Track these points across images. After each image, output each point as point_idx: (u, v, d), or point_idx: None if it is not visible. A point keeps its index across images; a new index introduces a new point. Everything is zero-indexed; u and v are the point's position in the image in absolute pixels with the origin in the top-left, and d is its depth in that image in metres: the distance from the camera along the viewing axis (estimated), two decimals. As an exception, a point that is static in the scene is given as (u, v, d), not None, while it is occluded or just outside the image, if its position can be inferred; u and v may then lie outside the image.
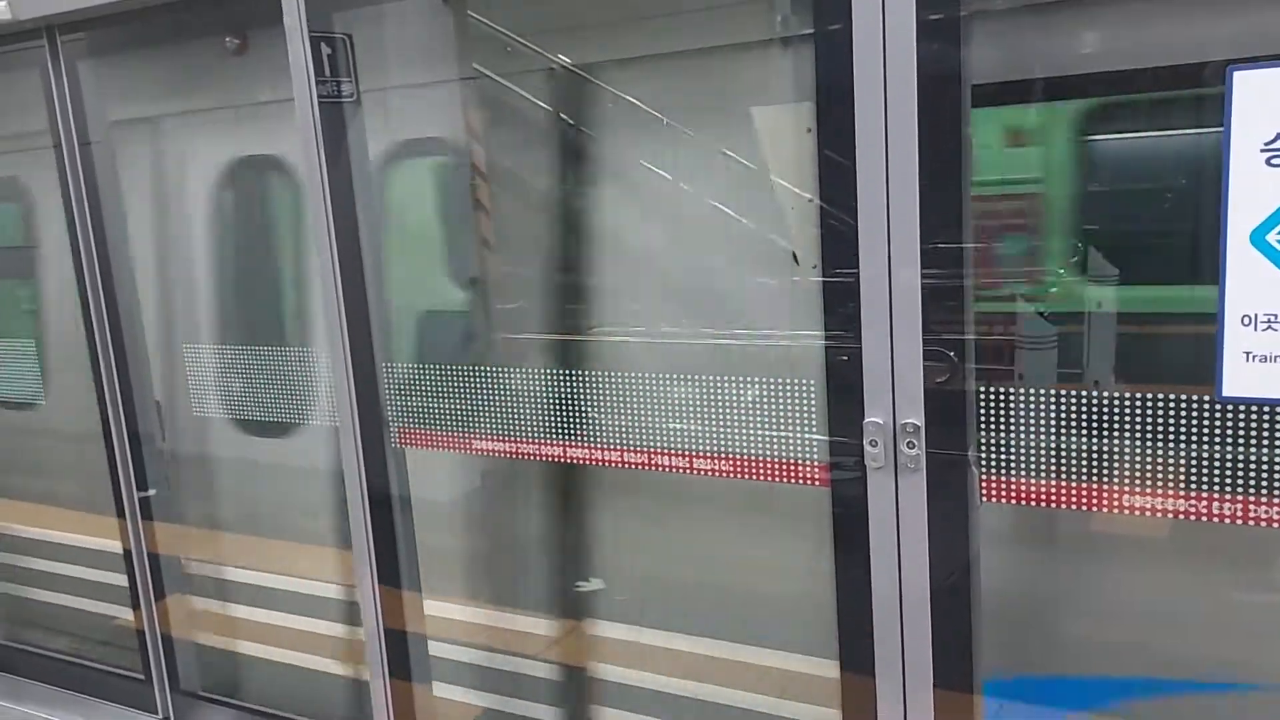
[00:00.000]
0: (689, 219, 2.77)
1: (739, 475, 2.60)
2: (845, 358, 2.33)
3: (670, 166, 2.75)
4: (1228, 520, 2.05)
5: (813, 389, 2.45)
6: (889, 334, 2.26)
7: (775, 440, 2.53)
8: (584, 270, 3.00)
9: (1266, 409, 1.98)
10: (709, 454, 2.63)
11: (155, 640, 3.87)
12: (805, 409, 2.47)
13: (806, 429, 2.48)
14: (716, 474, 2.63)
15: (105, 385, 3.66)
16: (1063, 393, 2.17)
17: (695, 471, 2.67)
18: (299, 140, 2.92)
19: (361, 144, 3.00)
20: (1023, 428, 2.21)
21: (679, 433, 2.66)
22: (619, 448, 2.75)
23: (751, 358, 2.65)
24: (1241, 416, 2.01)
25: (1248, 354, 1.96)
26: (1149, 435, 2.09)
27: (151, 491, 3.79)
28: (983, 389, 2.23)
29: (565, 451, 2.82)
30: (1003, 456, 2.24)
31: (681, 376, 2.66)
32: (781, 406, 2.51)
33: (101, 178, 3.51)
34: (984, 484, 2.27)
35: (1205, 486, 2.06)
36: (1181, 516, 2.10)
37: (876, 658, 2.42)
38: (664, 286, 2.86)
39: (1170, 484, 2.09)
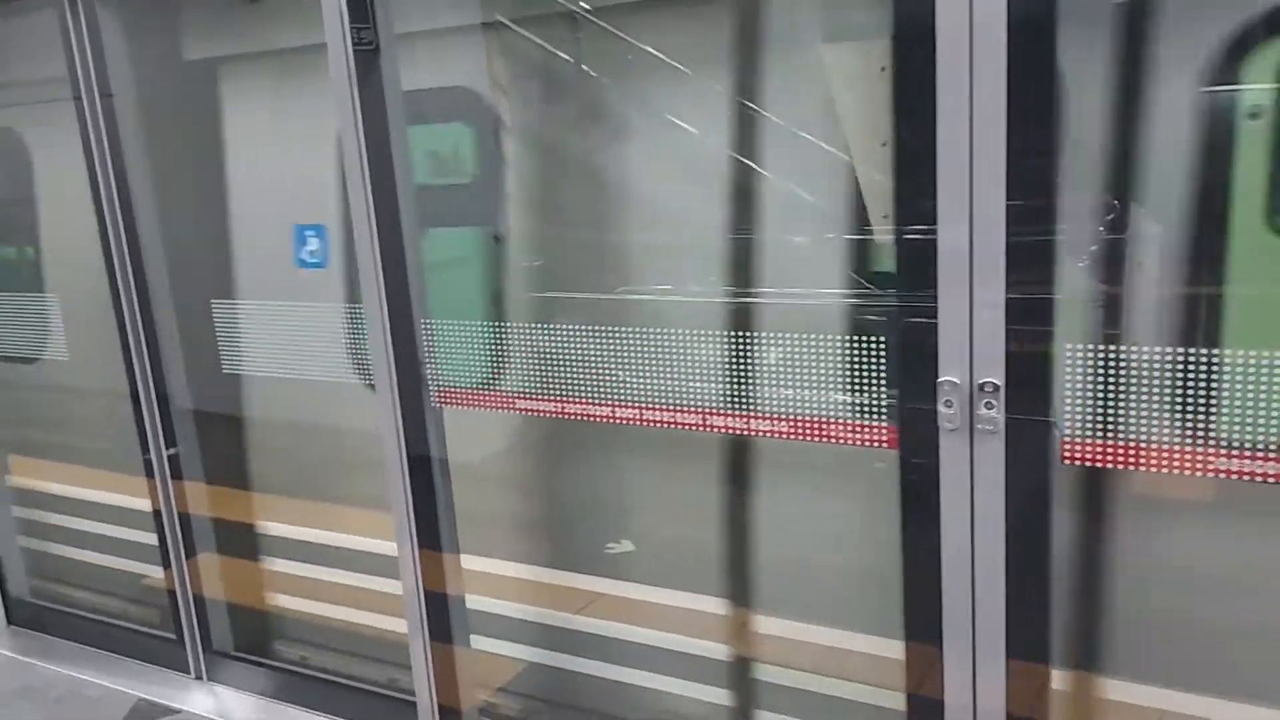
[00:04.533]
0: (747, 166, 2.63)
1: (799, 437, 2.49)
2: (919, 314, 2.21)
3: (728, 110, 2.61)
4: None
5: (882, 347, 2.33)
6: (968, 288, 2.13)
7: (839, 401, 2.41)
8: (634, 228, 2.88)
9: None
10: (768, 415, 2.52)
11: (187, 599, 3.81)
12: (873, 368, 2.35)
13: (875, 389, 2.36)
14: (776, 435, 2.52)
15: (132, 343, 3.55)
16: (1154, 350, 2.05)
17: (754, 433, 2.57)
18: (332, 88, 2.79)
19: (397, 90, 2.85)
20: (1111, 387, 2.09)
21: (736, 393, 2.55)
22: (672, 408, 2.63)
23: (815, 315, 2.53)
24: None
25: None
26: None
27: (179, 449, 3.71)
28: (1069, 347, 2.10)
29: (614, 412, 2.70)
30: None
31: (741, 334, 2.53)
32: (847, 366, 2.39)
33: (124, 126, 3.38)
34: (1065, 446, 2.15)
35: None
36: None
37: (944, 627, 2.32)
38: (720, 242, 2.73)
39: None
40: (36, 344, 4.12)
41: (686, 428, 2.62)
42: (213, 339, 3.52)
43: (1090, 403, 2.10)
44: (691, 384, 2.58)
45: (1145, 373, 2.05)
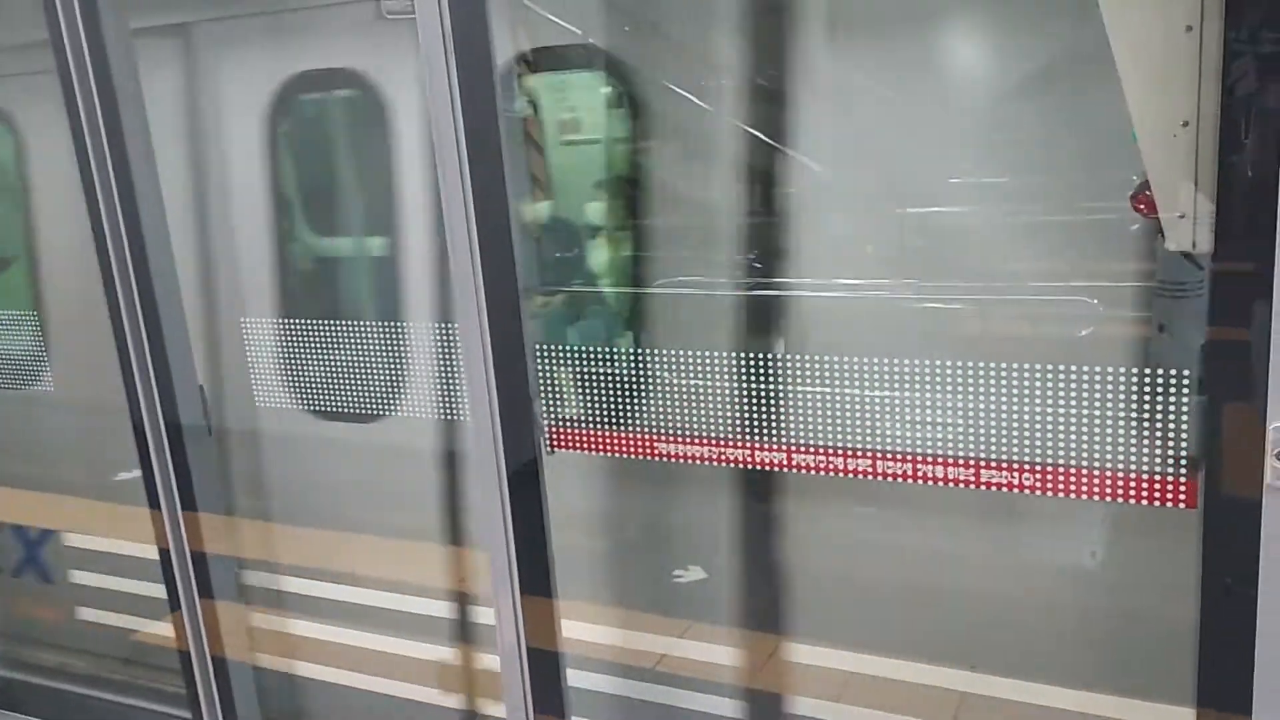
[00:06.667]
0: (997, 145, 2.14)
1: (1058, 491, 2.02)
2: (1241, 341, 1.74)
3: (977, 71, 2.11)
4: None
5: (1184, 383, 1.85)
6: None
7: (1118, 449, 1.94)
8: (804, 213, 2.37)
9: None
10: (1017, 464, 2.03)
11: (204, 662, 3.19)
12: (1168, 410, 1.88)
13: (1172, 435, 1.89)
14: (1030, 489, 2.04)
15: (135, 366, 2.89)
16: None
17: (984, 485, 2.08)
18: (422, 47, 2.18)
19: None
20: None
21: (972, 436, 2.07)
22: (889, 455, 2.14)
23: (1083, 339, 2.05)
24: None
25: None
26: None
27: None
28: None
29: (829, 462, 2.20)
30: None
31: (982, 364, 2.03)
32: (1128, 406, 1.91)
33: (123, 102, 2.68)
34: None
35: None
36: None
37: (1255, 708, 1.89)
38: (959, 237, 2.24)
39: None
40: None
41: (909, 480, 2.13)
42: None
43: None
44: (918, 423, 2.09)
45: None
